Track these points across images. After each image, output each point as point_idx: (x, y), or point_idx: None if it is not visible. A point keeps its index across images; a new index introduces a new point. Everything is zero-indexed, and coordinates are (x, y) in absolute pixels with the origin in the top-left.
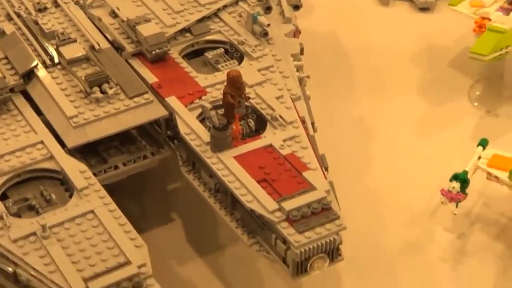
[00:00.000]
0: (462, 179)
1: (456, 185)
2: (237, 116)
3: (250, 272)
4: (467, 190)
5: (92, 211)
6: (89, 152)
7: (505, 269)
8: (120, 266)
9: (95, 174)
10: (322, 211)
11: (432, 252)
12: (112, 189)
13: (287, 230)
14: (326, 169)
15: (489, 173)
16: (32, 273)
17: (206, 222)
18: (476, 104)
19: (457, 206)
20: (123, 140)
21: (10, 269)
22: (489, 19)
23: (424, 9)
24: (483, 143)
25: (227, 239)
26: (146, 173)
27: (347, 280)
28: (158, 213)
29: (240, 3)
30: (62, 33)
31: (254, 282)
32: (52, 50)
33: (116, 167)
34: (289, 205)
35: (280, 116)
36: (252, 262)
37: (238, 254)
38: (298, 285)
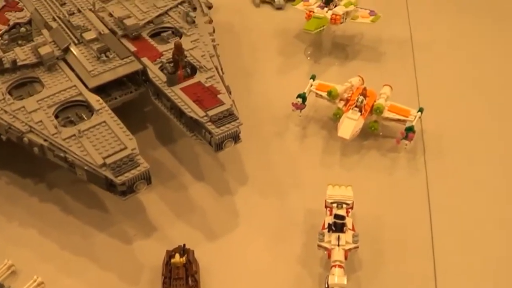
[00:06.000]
0: (303, 96)
1: (299, 99)
2: (180, 65)
3: (194, 151)
4: (306, 103)
5: (104, 121)
6: (100, 91)
7: (327, 141)
8: (121, 150)
9: (105, 102)
10: (229, 116)
11: (289, 137)
12: (115, 111)
13: (211, 126)
14: (230, 93)
15: (316, 93)
16: (75, 156)
17: (167, 127)
18: (308, 58)
19: (299, 111)
20: (118, 83)
21: (62, 154)
22: (313, 12)
23: (279, 8)
24: (313, 77)
25: (179, 134)
26: (132, 102)
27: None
28: (139, 123)
29: (179, 6)
30: (83, 26)
31: (196, 156)
32: (78, 35)
33: (115, 98)
34: (211, 112)
35: (204, 66)
36: (193, 149)
37: (188, 142)
38: (217, 161)
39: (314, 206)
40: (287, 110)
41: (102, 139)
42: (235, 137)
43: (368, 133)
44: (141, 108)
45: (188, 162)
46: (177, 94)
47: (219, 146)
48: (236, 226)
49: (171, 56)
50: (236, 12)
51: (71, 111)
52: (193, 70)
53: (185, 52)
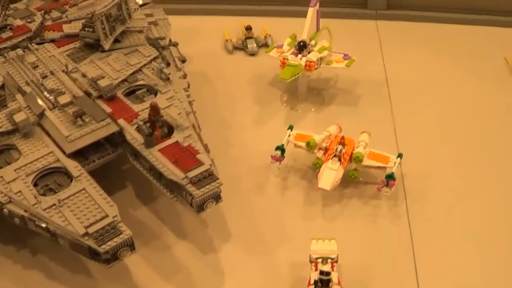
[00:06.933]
0: (281, 148)
1: (278, 152)
2: (157, 126)
3: (175, 208)
4: (284, 154)
5: (84, 189)
6: (78, 154)
7: (308, 191)
8: (102, 218)
9: (83, 166)
10: (209, 176)
11: (269, 189)
12: (92, 174)
13: (191, 188)
14: (209, 151)
15: (295, 144)
16: (56, 226)
17: (147, 185)
18: (285, 105)
19: (279, 163)
20: (95, 145)
21: (43, 225)
22: (287, 59)
23: (252, 54)
24: (291, 127)
25: (160, 192)
26: (110, 163)
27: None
28: (118, 182)
29: (153, 62)
30: (57, 89)
31: (177, 213)
32: (52, 99)
33: (93, 161)
34: (191, 174)
35: (181, 125)
36: (174, 207)
37: (169, 200)
38: (199, 218)
39: (299, 258)
40: (266, 161)
41: (82, 208)
42: (216, 197)
43: (348, 180)
44: (119, 166)
45: (170, 221)
46: (156, 156)
47: (200, 208)
48: (222, 284)
49: (147, 116)
50: (210, 60)
51: (49, 178)
52: (170, 129)
53: (161, 111)
